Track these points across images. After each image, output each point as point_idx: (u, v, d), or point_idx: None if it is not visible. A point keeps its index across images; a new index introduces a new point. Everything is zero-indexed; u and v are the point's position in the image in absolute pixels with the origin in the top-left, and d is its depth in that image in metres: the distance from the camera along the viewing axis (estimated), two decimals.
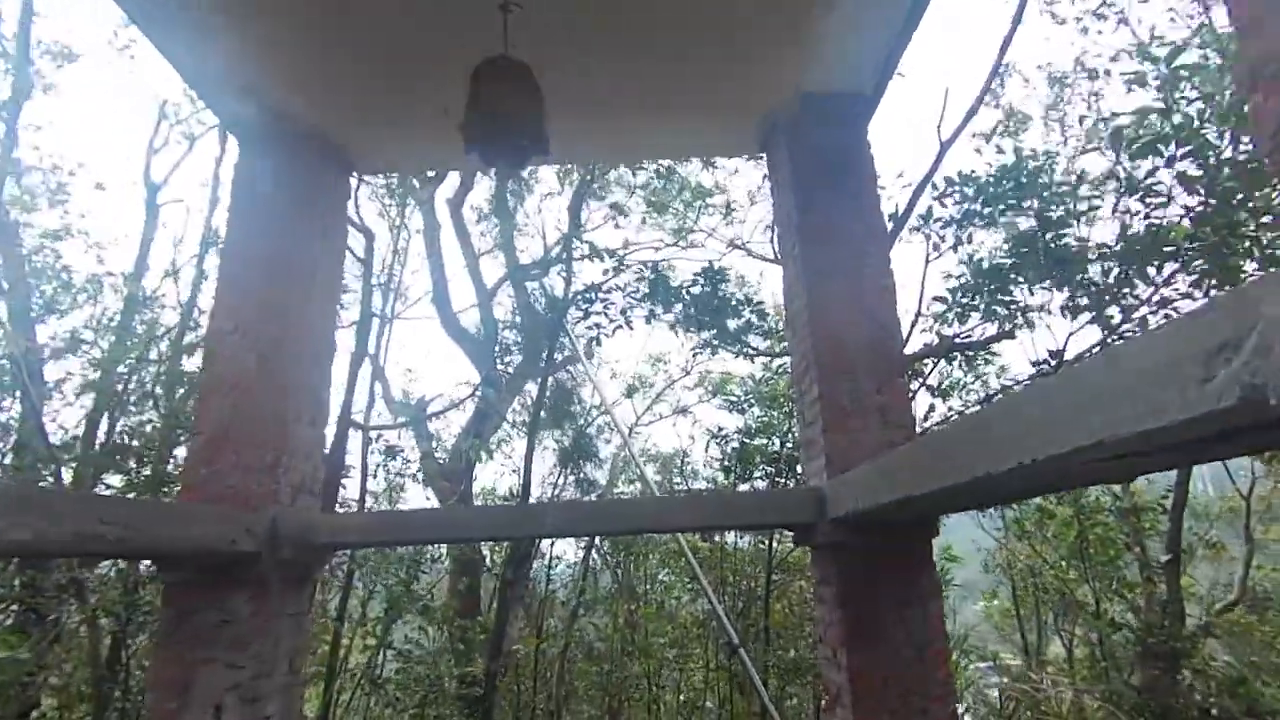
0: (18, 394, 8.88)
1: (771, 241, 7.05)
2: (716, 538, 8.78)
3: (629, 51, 3.45)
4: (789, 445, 6.73)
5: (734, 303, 5.87)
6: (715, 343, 6.47)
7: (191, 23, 3.08)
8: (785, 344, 6.20)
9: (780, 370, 6.33)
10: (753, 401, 7.43)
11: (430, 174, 8.92)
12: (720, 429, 7.91)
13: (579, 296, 6.34)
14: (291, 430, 3.27)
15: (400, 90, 3.56)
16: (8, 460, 8.37)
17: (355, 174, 4.36)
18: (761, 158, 4.68)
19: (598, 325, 6.03)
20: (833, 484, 3.01)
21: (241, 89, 3.41)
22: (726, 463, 6.87)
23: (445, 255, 9.74)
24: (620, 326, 5.95)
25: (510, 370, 9.46)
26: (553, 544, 10.66)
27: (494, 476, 12.05)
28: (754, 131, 4.12)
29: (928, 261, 5.07)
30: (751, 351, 6.16)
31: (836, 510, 2.92)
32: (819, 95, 3.76)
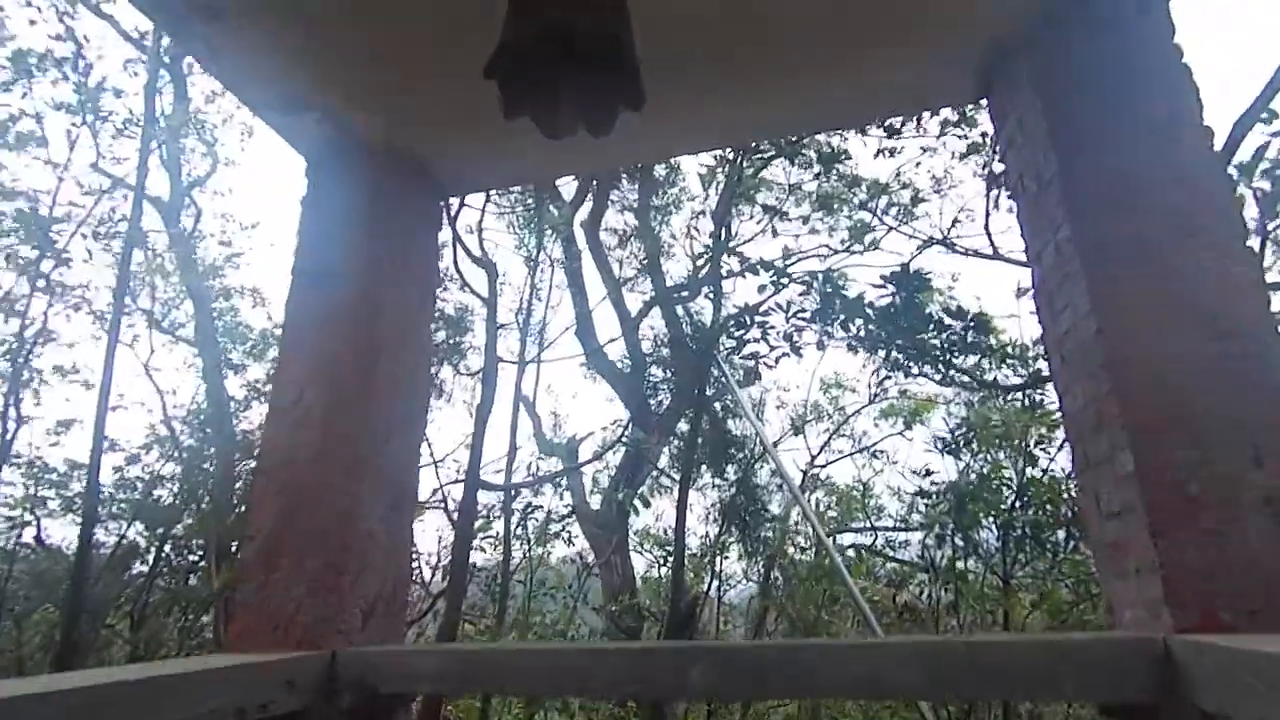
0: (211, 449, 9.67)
1: (988, 230, 5.55)
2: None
3: None
4: (1029, 496, 5.14)
5: (935, 316, 4.53)
6: (910, 365, 5.13)
7: (240, 32, 2.59)
8: (1014, 366, 4.69)
9: (1010, 401, 4.82)
10: (970, 438, 5.89)
11: (564, 197, 8.47)
12: (927, 471, 6.42)
13: (731, 321, 5.34)
14: (361, 530, 2.60)
15: (477, 89, 2.85)
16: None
17: (446, 196, 3.75)
18: (978, 108, 3.40)
19: (755, 355, 4.99)
20: (1193, 645, 1.72)
21: (303, 101, 2.89)
22: (938, 527, 5.41)
23: (586, 284, 9.25)
24: (785, 354, 4.86)
25: (662, 409, 8.65)
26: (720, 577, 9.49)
27: (653, 520, 11.22)
28: (973, 64, 2.90)
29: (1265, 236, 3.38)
30: (967, 380, 4.74)
31: (1206, 695, 1.65)
32: None
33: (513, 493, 7.81)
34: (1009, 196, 4.51)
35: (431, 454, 7.66)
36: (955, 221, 6.68)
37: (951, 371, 4.81)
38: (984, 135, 5.56)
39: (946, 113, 6.07)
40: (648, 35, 1.99)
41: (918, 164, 6.71)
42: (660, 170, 8.08)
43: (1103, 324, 2.23)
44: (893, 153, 7.34)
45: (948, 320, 4.47)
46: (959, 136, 5.98)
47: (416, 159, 3.30)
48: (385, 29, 2.56)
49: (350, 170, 3.17)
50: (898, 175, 7.68)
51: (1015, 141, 2.88)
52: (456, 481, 8.00)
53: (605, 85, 1.51)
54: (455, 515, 6.32)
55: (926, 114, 5.69)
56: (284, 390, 2.78)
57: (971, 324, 4.41)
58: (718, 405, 8.51)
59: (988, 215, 5.29)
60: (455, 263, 6.87)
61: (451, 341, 7.74)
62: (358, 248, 2.99)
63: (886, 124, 6.76)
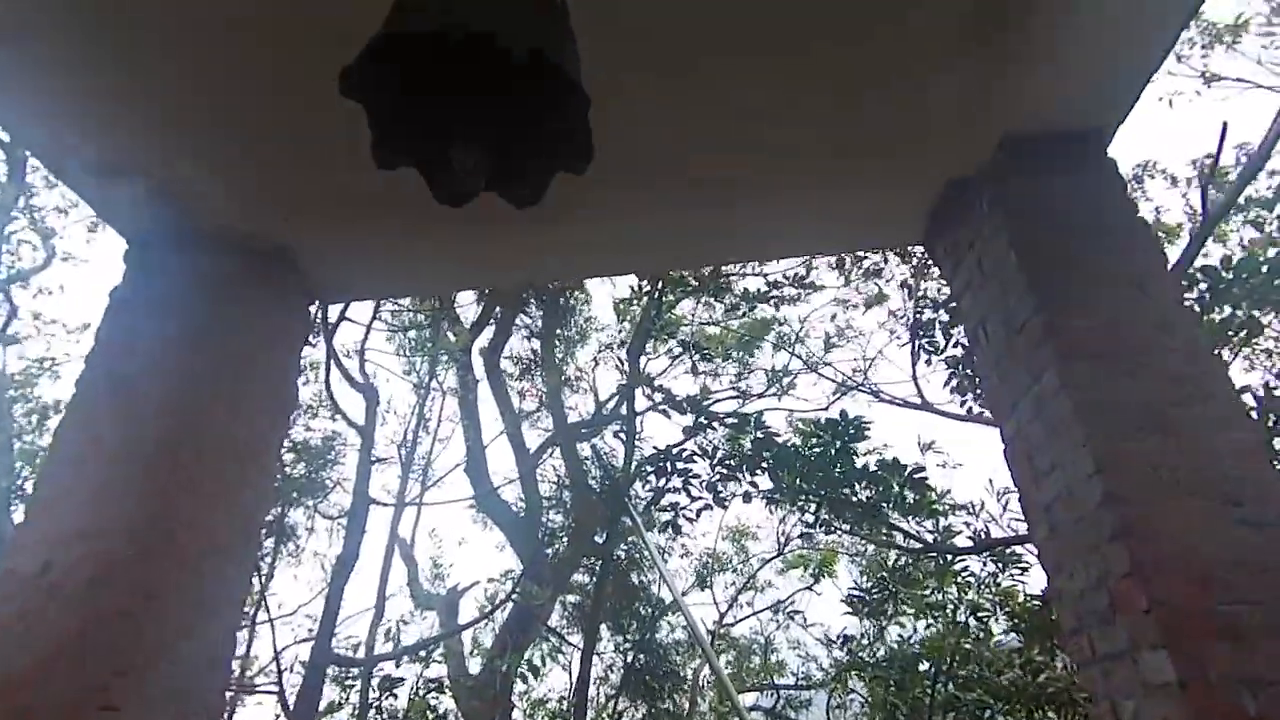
0: None
1: (915, 379, 5.49)
2: None
3: (721, 107, 2.23)
4: (967, 672, 4.69)
5: (867, 467, 4.24)
6: (833, 520, 4.75)
7: (36, 61, 2.00)
8: (963, 528, 4.41)
9: (952, 564, 4.51)
10: (887, 598, 5.48)
11: (462, 319, 7.95)
12: (844, 639, 5.90)
13: (648, 464, 4.83)
14: None
15: (363, 167, 2.40)
16: None
17: (315, 302, 3.14)
18: (881, 260, 3.32)
19: (675, 506, 4.46)
20: None
21: (125, 162, 2.28)
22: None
23: (482, 418, 8.53)
24: (708, 506, 4.36)
25: (558, 558, 7.78)
26: None
27: (549, 688, 9.82)
28: (927, 202, 2.77)
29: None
30: (908, 543, 4.40)
31: None
32: (1034, 136, 2.44)
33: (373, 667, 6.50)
34: (965, 343, 4.48)
35: (267, 611, 6.30)
36: (866, 370, 6.73)
37: (884, 530, 4.48)
38: (904, 285, 5.73)
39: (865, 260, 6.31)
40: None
41: (834, 316, 6.87)
42: (566, 297, 7.84)
43: (1114, 489, 1.91)
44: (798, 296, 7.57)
45: (879, 474, 4.19)
46: (869, 281, 6.18)
47: (279, 251, 2.71)
48: (244, 81, 2.06)
49: (183, 257, 2.53)
50: (801, 323, 7.86)
51: (973, 283, 2.72)
52: (304, 641, 6.64)
53: (534, 125, 1.07)
54: (293, 702, 5.05)
55: (851, 256, 5.84)
56: (27, 551, 1.94)
57: (910, 479, 4.16)
58: (622, 553, 7.78)
59: (914, 363, 5.30)
60: (328, 384, 6.07)
61: (311, 476, 6.68)
62: (178, 358, 2.30)
63: (794, 274, 6.97)
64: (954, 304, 4.82)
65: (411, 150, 1.21)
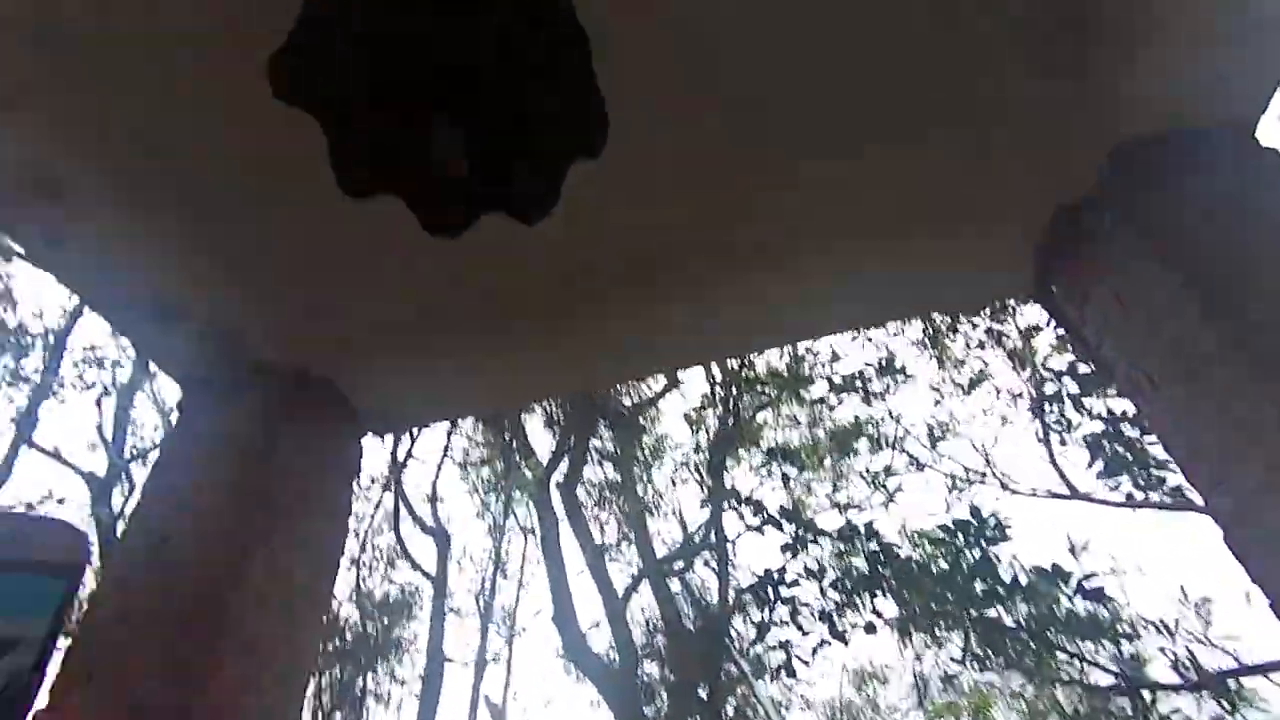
0: None
1: (1054, 462, 4.63)
2: None
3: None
4: None
5: (1030, 579, 3.46)
6: (992, 656, 3.88)
7: (90, 216, 1.99)
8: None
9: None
10: None
11: (530, 452, 7.67)
12: None
13: (746, 595, 4.18)
14: None
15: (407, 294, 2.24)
16: None
17: (367, 433, 2.91)
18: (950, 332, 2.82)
19: (786, 644, 3.76)
20: None
21: (176, 309, 2.21)
22: None
23: (563, 553, 8.00)
24: (824, 642, 3.65)
25: (661, 716, 6.87)
26: None
27: None
28: (1027, 239, 2.32)
29: None
30: (1085, 676, 3.48)
31: None
32: (1159, 139, 2.00)
33: None
34: (1106, 413, 3.78)
35: None
36: (987, 457, 5.84)
37: (1052, 662, 3.58)
38: (1012, 355, 5.02)
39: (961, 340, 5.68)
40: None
41: (936, 401, 6.12)
42: (634, 413, 7.46)
43: None
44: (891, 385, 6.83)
45: (1037, 586, 3.37)
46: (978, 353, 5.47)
47: (326, 384, 2.53)
48: (289, 219, 1.96)
49: (233, 397, 2.38)
50: (896, 418, 7.05)
51: (1113, 322, 2.18)
52: None
53: (534, 103, 0.76)
54: None
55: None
56: None
57: (1081, 589, 3.30)
58: (731, 710, 6.78)
59: (1048, 444, 4.49)
60: (397, 531, 5.80)
61: (380, 637, 6.23)
62: (226, 503, 2.07)
63: (881, 360, 6.36)
64: (1085, 362, 4.12)
65: (385, 171, 0.93)
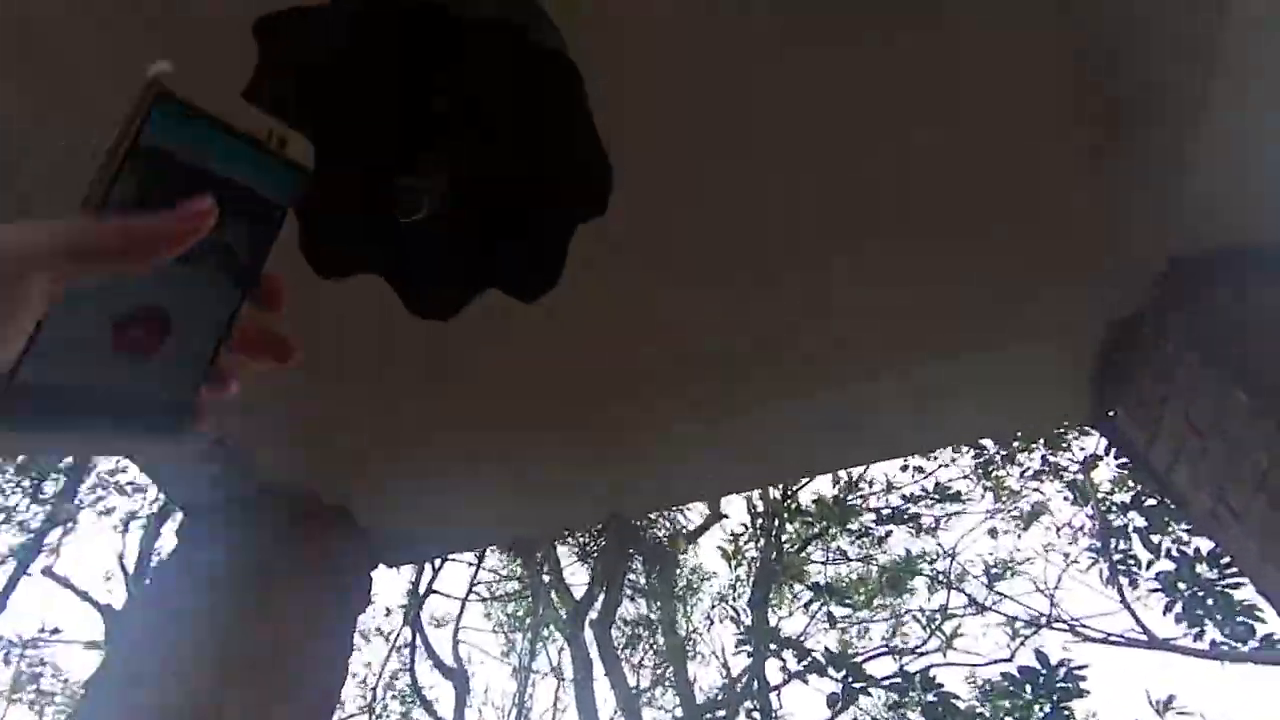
0: None
1: (1126, 603, 4.18)
2: None
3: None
4: None
5: None
6: None
7: None
8: None
9: None
10: None
11: (565, 587, 7.32)
12: None
13: None
14: None
15: (421, 419, 2.26)
16: None
17: (379, 564, 2.83)
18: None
19: None
20: None
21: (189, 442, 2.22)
22: None
23: (595, 708, 7.39)
24: None
25: None
26: None
27: None
28: (1082, 358, 2.27)
29: None
30: None
31: None
32: (1219, 248, 1.99)
33: None
34: (1178, 551, 3.47)
35: None
36: (1052, 599, 5.35)
37: None
38: (1073, 485, 4.72)
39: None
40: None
41: (992, 532, 5.74)
42: (666, 545, 7.11)
43: None
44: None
45: None
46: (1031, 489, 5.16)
47: (338, 511, 2.49)
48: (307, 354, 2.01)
49: (242, 520, 2.35)
50: (951, 555, 6.58)
51: (1186, 447, 2.05)
52: None
53: (512, 157, 0.78)
54: None
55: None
56: None
57: None
58: None
59: (1118, 584, 4.08)
60: (412, 672, 5.46)
61: None
62: (225, 633, 1.99)
63: (935, 485, 6.08)
64: (1151, 495, 3.84)
65: (354, 243, 0.92)
